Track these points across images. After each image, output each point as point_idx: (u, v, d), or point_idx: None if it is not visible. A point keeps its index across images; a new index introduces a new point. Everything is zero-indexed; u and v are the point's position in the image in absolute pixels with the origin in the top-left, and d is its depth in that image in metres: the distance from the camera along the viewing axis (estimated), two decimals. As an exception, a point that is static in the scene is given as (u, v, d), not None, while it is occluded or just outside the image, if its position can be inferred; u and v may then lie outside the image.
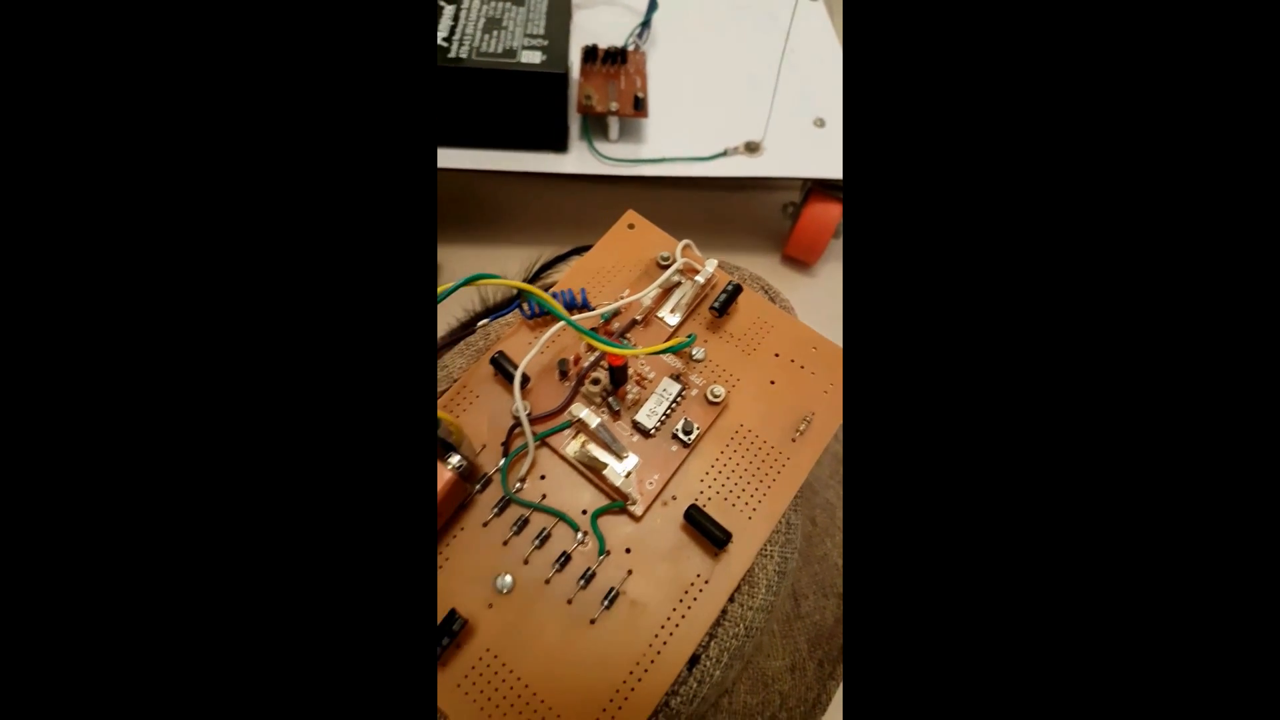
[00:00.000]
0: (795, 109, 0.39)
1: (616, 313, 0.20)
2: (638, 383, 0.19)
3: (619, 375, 0.19)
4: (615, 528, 0.18)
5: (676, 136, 0.38)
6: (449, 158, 0.35)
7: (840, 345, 0.21)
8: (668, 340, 0.20)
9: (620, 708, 0.16)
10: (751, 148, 0.38)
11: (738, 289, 0.21)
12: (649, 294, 0.20)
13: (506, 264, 0.28)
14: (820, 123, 0.38)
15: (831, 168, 0.36)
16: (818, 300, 0.41)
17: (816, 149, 0.38)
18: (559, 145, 0.36)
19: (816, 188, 0.39)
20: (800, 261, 0.43)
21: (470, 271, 0.17)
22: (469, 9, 0.35)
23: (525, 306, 0.20)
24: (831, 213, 0.38)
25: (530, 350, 0.18)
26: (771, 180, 0.45)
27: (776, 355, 0.20)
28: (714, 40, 0.43)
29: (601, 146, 0.37)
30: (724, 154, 0.38)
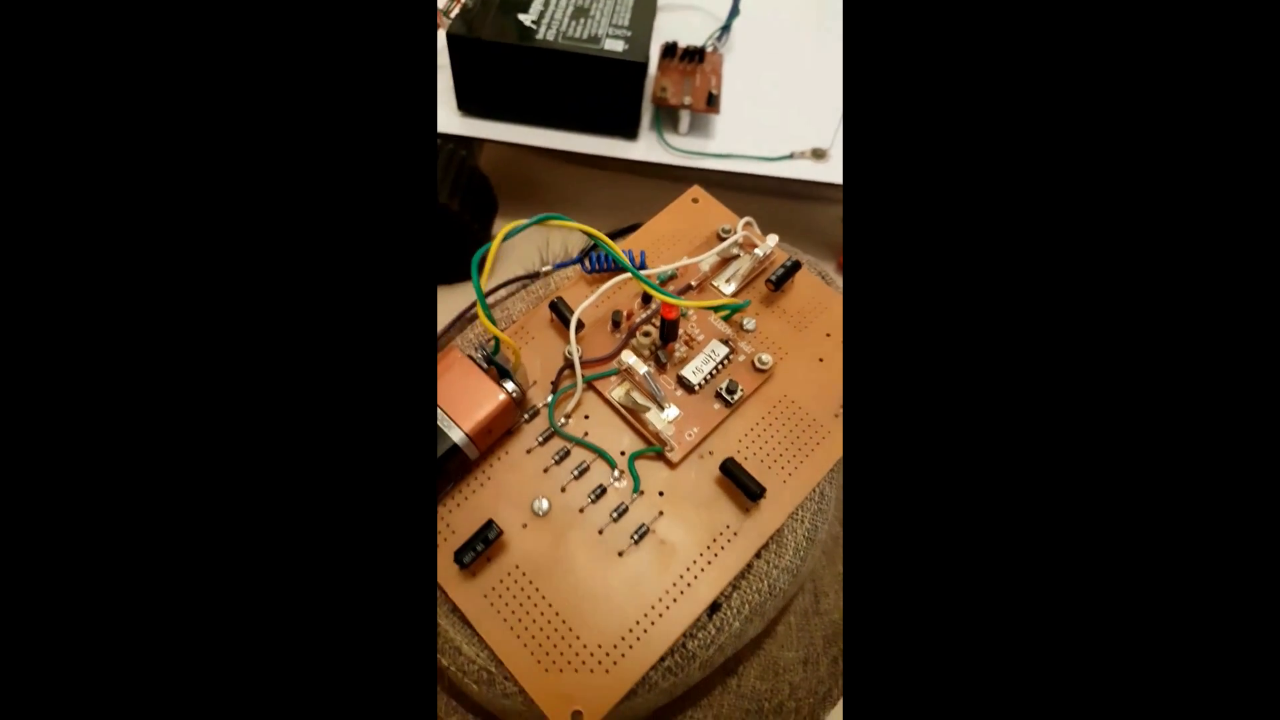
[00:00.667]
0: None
1: (673, 275, 0.21)
2: (686, 343, 0.20)
3: (669, 330, 0.19)
4: (651, 471, 0.18)
5: (745, 136, 0.39)
6: (520, 134, 0.37)
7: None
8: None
9: (639, 639, 0.16)
10: (818, 154, 0.38)
11: (796, 265, 0.21)
12: (707, 260, 0.21)
13: (568, 239, 0.29)
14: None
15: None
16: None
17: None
18: (630, 133, 0.37)
19: (878, 199, 0.39)
20: (854, 273, 0.43)
21: (532, 246, 0.18)
22: (560, -4, 0.37)
23: (586, 262, 0.21)
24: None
25: (588, 298, 0.19)
26: (832, 192, 0.45)
27: (828, 335, 0.21)
28: (791, 48, 0.43)
29: (671, 138, 0.38)
30: (790, 157, 0.38)
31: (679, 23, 0.43)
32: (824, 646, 0.28)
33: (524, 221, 0.17)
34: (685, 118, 0.38)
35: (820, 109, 0.39)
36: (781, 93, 0.41)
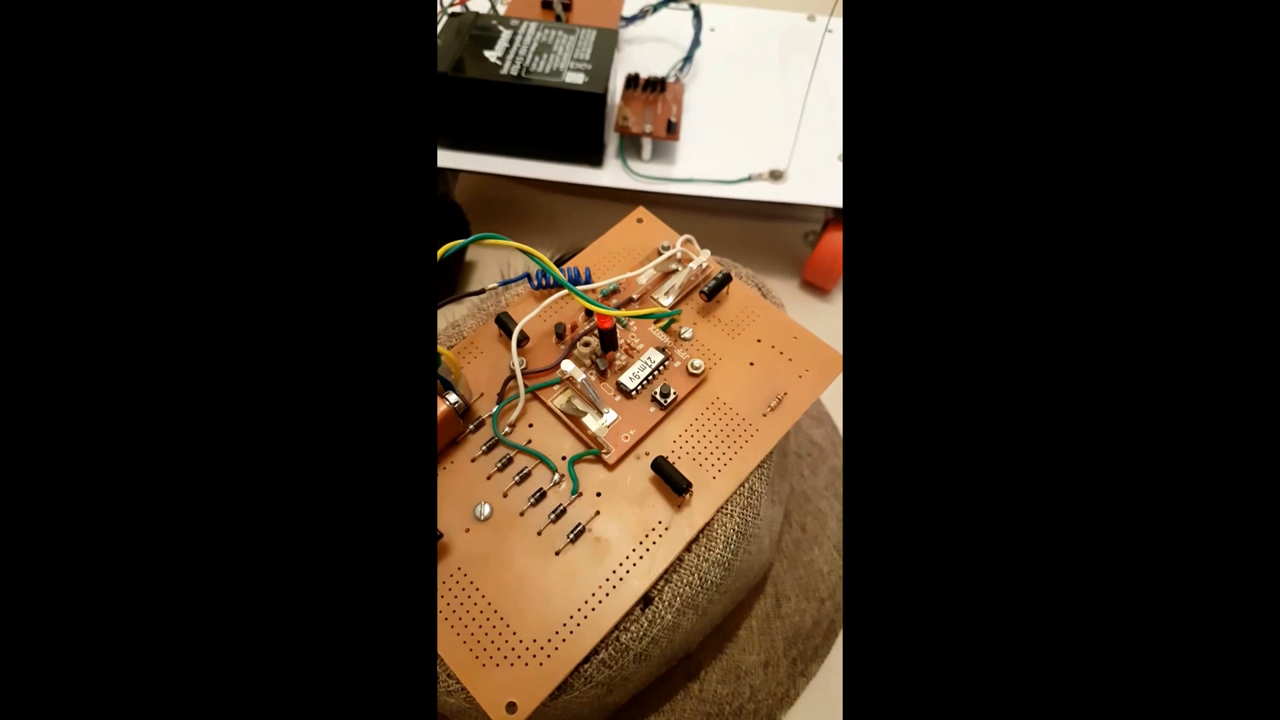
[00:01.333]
0: (820, 143, 0.41)
1: (615, 290, 0.22)
2: (626, 352, 0.21)
3: (608, 340, 0.20)
4: (590, 474, 0.19)
5: (705, 161, 0.41)
6: (494, 164, 0.38)
7: (821, 339, 0.22)
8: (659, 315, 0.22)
9: (572, 632, 0.17)
10: (775, 175, 0.40)
11: (727, 278, 0.22)
12: (644, 273, 0.22)
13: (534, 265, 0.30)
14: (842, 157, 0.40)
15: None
16: (834, 324, 0.42)
17: (837, 180, 0.40)
18: (595, 160, 0.39)
19: (835, 217, 0.41)
20: (818, 288, 0.44)
21: (505, 269, 0.19)
22: (524, 34, 0.39)
23: (532, 278, 0.22)
24: (848, 240, 0.40)
25: (531, 312, 0.20)
26: (795, 211, 0.47)
27: (759, 341, 0.22)
28: (750, 76, 0.45)
29: (634, 165, 0.40)
30: (748, 179, 0.40)
31: (645, 54, 0.45)
32: (784, 649, 0.29)
33: (459, 241, 0.19)
34: (647, 145, 0.39)
35: (777, 133, 0.41)
36: (741, 119, 0.42)
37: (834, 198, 0.39)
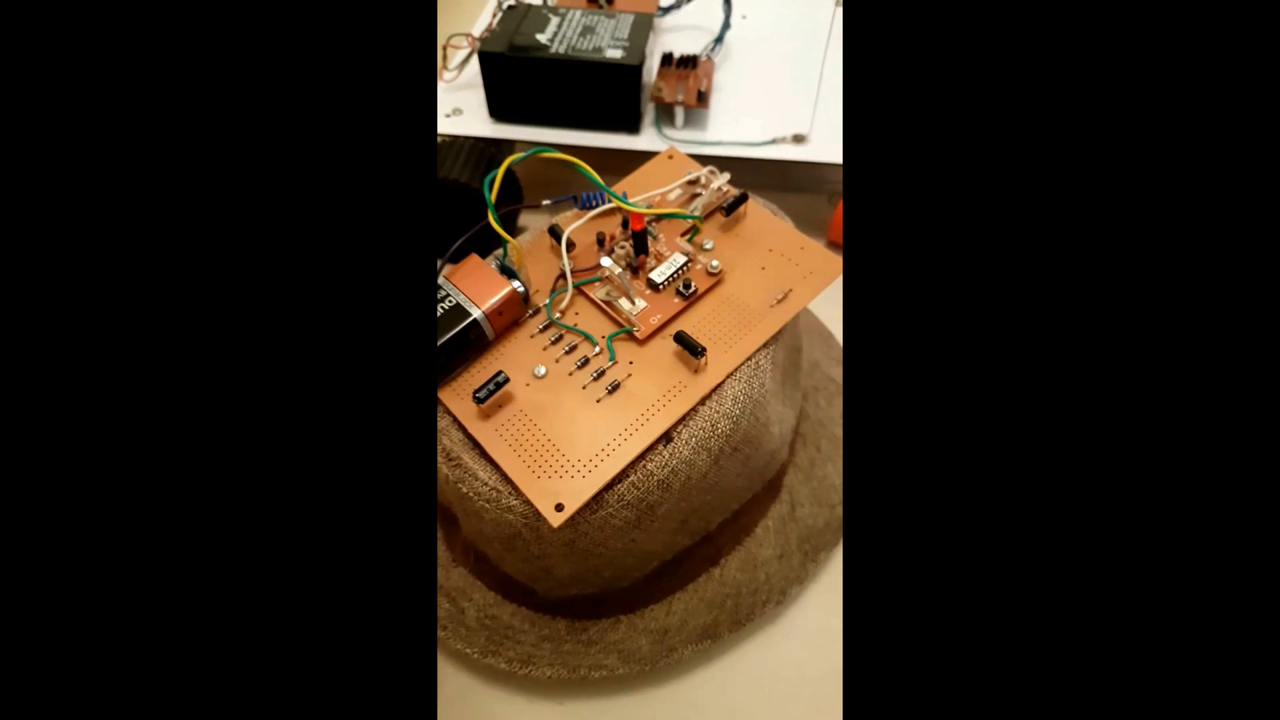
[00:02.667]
0: (838, 109, 0.45)
1: (649, 208, 0.27)
2: (655, 257, 0.25)
3: (640, 242, 0.25)
4: (624, 349, 0.23)
5: (733, 128, 0.45)
6: (545, 134, 0.43)
7: (824, 249, 0.26)
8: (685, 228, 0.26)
9: (609, 456, 0.21)
10: (798, 139, 0.44)
11: (744, 196, 0.26)
12: (673, 190, 0.26)
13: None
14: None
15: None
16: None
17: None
18: (633, 128, 0.44)
19: (854, 177, 0.44)
20: (841, 246, 0.48)
21: (547, 229, 0.23)
22: (569, 19, 0.44)
23: (578, 199, 0.27)
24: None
25: (577, 221, 0.25)
26: (816, 182, 0.50)
27: (770, 250, 0.26)
28: (776, 54, 0.49)
29: (669, 131, 0.44)
30: (773, 142, 0.44)
31: (679, 40, 0.50)
32: (797, 544, 0.32)
33: (523, 153, 0.23)
34: (680, 113, 0.44)
35: (800, 101, 0.45)
36: (766, 90, 0.47)
37: (851, 157, 0.43)
